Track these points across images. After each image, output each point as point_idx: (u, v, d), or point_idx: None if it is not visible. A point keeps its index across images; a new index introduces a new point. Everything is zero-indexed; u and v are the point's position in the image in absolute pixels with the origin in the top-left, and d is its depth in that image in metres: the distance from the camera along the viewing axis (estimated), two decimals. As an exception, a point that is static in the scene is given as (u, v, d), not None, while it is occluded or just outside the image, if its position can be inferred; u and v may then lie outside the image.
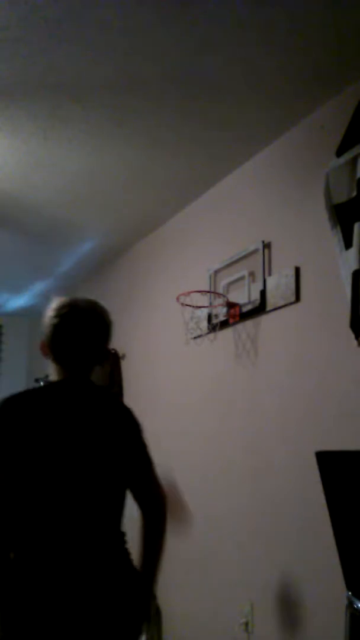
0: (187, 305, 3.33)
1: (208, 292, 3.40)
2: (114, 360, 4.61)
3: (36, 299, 6.19)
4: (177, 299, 3.24)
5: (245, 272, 3.20)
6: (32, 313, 6.78)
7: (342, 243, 2.52)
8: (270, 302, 2.99)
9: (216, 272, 3.50)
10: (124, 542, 1.90)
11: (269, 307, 3.00)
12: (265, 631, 2.78)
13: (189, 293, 3.29)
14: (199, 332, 3.57)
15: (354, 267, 2.40)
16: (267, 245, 3.11)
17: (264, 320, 3.06)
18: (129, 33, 2.41)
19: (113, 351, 4.64)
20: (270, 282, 3.00)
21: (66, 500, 1.78)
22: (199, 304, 3.51)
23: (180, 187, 3.69)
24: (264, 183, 3.21)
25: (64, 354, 1.92)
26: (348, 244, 2.48)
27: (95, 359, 1.98)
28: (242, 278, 3.24)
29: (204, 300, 3.55)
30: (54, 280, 5.55)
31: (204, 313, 3.51)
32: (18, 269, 5.28)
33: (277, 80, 2.68)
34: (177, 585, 3.51)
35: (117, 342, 4.72)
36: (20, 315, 6.89)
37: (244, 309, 3.18)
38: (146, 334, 4.29)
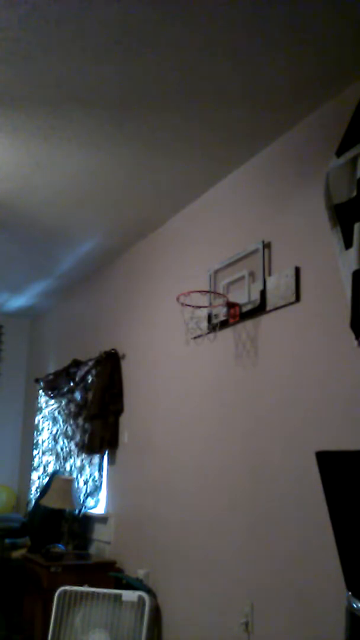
0: (187, 305, 3.33)
1: (208, 292, 3.40)
2: (114, 361, 4.62)
3: (36, 299, 6.20)
4: (177, 299, 3.24)
5: (245, 272, 3.20)
6: (32, 313, 6.78)
7: (342, 243, 2.52)
8: (270, 302, 2.99)
9: (216, 272, 3.50)
10: None
11: (269, 307, 3.00)
12: (265, 631, 2.78)
13: (189, 293, 3.29)
14: (199, 332, 3.57)
15: (354, 267, 2.40)
16: (267, 245, 3.11)
17: (264, 320, 3.06)
18: (129, 33, 2.41)
19: (113, 351, 4.64)
20: (270, 282, 3.00)
21: None
22: (199, 304, 3.51)
23: (180, 187, 3.70)
24: (264, 183, 3.21)
25: None
26: (348, 244, 2.48)
27: None
28: (242, 278, 3.24)
29: (204, 300, 3.55)
30: (54, 280, 5.55)
31: (204, 313, 3.51)
32: (18, 269, 5.28)
33: (277, 81, 2.68)
34: (177, 585, 3.52)
35: (117, 342, 4.72)
36: (20, 315, 6.90)
37: (244, 309, 3.18)
38: (146, 334, 4.29)
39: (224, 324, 3.33)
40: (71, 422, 5.27)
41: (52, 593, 3.68)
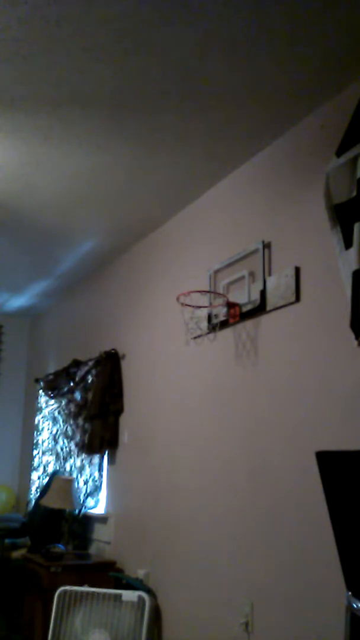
0: (187, 305, 3.33)
1: (208, 292, 3.40)
2: (114, 361, 4.62)
3: (36, 299, 6.20)
4: (177, 299, 3.24)
5: (245, 272, 3.20)
6: (32, 313, 6.78)
7: (342, 243, 2.52)
8: (270, 302, 2.99)
9: (216, 272, 3.50)
10: None
11: (269, 307, 3.00)
12: (265, 631, 2.78)
13: (189, 293, 3.29)
14: (199, 332, 3.58)
15: (354, 267, 2.40)
16: (267, 245, 3.11)
17: (264, 320, 3.06)
18: (129, 33, 2.41)
19: (113, 351, 4.64)
20: (270, 282, 3.00)
21: None
22: (199, 304, 3.51)
23: (180, 187, 3.70)
24: (264, 183, 3.21)
25: None
26: (348, 244, 2.48)
27: None
28: (242, 278, 3.24)
29: (204, 300, 3.55)
30: (54, 280, 5.55)
31: (204, 313, 3.52)
32: (18, 269, 5.28)
33: (277, 80, 2.68)
34: (177, 585, 3.52)
35: (117, 342, 4.72)
36: (20, 315, 6.90)
37: (244, 309, 3.18)
38: (146, 334, 4.29)
39: (224, 324, 3.33)
40: (71, 422, 5.27)
41: (52, 593, 3.68)
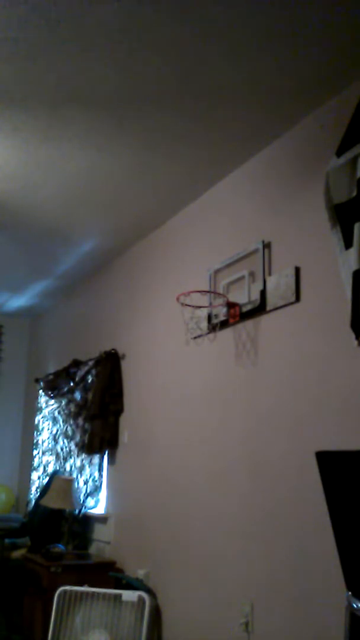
0: (187, 305, 3.33)
1: (208, 292, 3.40)
2: (114, 360, 4.62)
3: (36, 299, 6.20)
4: (177, 299, 3.24)
5: (245, 272, 3.21)
6: (32, 313, 6.78)
7: (342, 243, 2.52)
8: (270, 302, 2.99)
9: (216, 272, 3.50)
10: None
11: (269, 307, 3.00)
12: (265, 631, 2.78)
13: (189, 293, 3.30)
14: (199, 332, 3.58)
15: (354, 267, 2.40)
16: (267, 245, 3.11)
17: (264, 320, 3.06)
18: (129, 33, 2.41)
19: (113, 351, 4.64)
20: (270, 282, 3.00)
21: None
22: (199, 304, 3.51)
23: (180, 187, 3.70)
24: (264, 183, 3.21)
25: None
26: (348, 244, 2.48)
27: None
28: (242, 278, 3.24)
29: (204, 300, 3.55)
30: (54, 280, 5.55)
31: (204, 313, 3.52)
32: (18, 269, 5.28)
33: (277, 80, 2.68)
34: (177, 585, 3.52)
35: (117, 342, 4.72)
36: (20, 315, 6.90)
37: (244, 309, 3.18)
38: (146, 334, 4.29)
39: (224, 324, 3.33)
40: (71, 422, 5.27)
41: (52, 593, 3.68)
